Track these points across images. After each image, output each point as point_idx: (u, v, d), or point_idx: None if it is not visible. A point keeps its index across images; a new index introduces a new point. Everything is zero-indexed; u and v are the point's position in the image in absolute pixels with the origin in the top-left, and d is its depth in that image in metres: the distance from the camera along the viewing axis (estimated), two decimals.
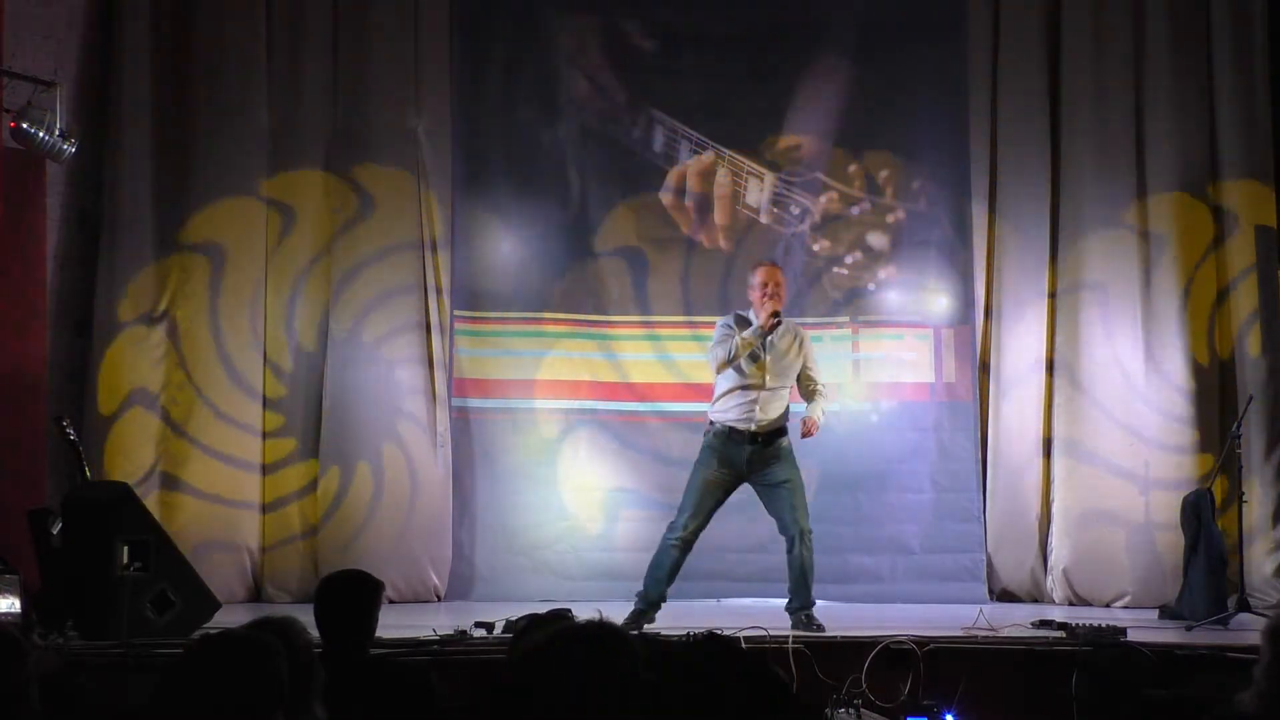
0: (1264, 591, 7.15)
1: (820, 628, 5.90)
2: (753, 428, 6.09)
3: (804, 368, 6.25)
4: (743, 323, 6.20)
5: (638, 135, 7.82)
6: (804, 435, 6.16)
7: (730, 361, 6.08)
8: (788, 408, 6.24)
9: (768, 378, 6.13)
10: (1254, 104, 7.56)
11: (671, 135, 7.82)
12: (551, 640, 2.38)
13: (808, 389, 6.27)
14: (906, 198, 7.83)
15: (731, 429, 6.12)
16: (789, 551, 6.11)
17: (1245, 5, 7.60)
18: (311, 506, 7.38)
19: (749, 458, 6.10)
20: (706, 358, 6.33)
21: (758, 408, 6.10)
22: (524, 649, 2.38)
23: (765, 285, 6.16)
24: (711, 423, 6.21)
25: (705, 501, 6.13)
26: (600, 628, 2.47)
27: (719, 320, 6.35)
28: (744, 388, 6.13)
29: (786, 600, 6.15)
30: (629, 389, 7.71)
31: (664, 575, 6.10)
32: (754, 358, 6.10)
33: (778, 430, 6.16)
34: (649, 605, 6.08)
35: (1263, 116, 7.57)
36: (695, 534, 6.13)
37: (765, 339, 6.11)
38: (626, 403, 7.71)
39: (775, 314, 6.09)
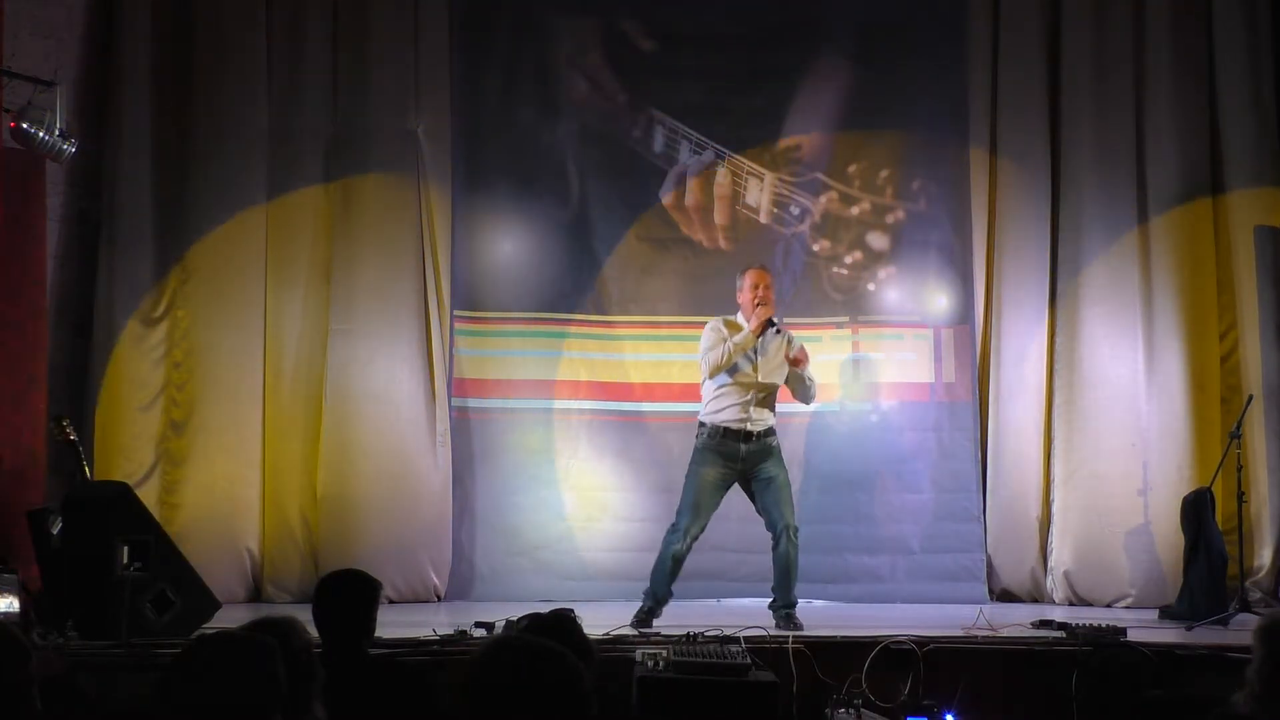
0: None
1: (799, 626, 5.94)
2: (747, 427, 6.18)
3: (793, 369, 6.30)
4: (732, 326, 6.26)
5: (638, 135, 7.81)
6: (794, 362, 6.19)
7: (723, 367, 6.18)
8: (775, 406, 6.36)
9: (760, 379, 6.22)
10: (1256, 105, 7.57)
11: (671, 135, 7.81)
12: (488, 653, 2.29)
13: (797, 388, 6.33)
14: (906, 198, 7.83)
15: (726, 429, 6.20)
16: (775, 548, 6.19)
17: (1248, 10, 7.60)
18: (311, 506, 7.38)
19: (744, 455, 6.20)
20: (699, 360, 6.37)
21: (751, 408, 6.21)
22: (467, 665, 2.29)
23: (756, 289, 6.28)
24: (703, 424, 6.29)
25: (706, 501, 6.21)
26: (534, 641, 2.36)
27: (708, 324, 6.39)
28: (737, 390, 6.21)
29: (770, 599, 6.20)
30: (629, 389, 7.70)
31: (669, 574, 6.18)
32: (747, 360, 6.20)
33: (769, 429, 6.26)
34: (657, 603, 6.16)
35: (1265, 118, 7.57)
36: (699, 535, 6.20)
37: (757, 342, 6.19)
38: (627, 403, 7.71)
39: (770, 320, 6.17)
